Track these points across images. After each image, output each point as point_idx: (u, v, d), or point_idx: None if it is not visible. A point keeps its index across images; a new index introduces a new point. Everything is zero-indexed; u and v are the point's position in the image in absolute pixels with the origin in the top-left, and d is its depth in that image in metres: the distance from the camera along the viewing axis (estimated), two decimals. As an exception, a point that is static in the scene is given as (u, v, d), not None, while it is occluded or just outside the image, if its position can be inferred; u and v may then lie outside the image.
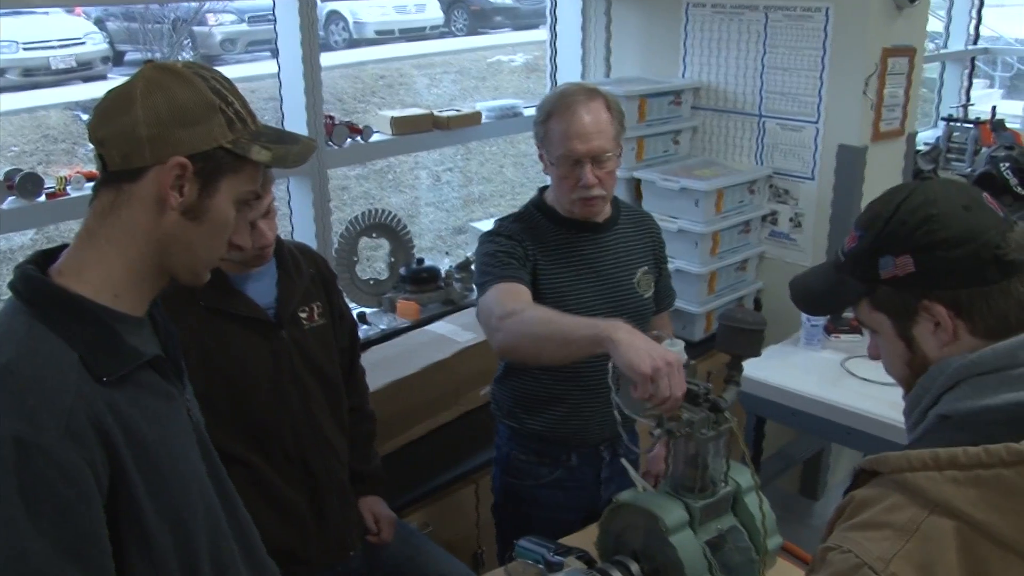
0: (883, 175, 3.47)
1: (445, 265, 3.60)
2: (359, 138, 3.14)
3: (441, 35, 11.43)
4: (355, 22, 10.87)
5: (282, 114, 3.02)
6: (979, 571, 1.03)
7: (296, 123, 2.93)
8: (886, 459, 1.11)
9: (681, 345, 1.84)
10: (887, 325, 1.26)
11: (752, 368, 3.00)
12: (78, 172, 2.52)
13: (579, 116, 2.17)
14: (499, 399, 2.44)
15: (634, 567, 1.73)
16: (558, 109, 2.20)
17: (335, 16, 10.80)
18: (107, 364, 1.22)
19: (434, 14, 11.45)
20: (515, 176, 8.02)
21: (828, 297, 1.35)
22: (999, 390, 1.11)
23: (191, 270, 1.34)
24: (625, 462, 1.90)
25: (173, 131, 1.25)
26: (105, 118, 1.26)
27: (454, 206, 7.87)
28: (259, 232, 1.94)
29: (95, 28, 9.24)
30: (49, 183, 2.48)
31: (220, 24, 9.80)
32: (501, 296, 2.10)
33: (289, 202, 3.10)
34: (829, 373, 3.00)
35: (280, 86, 3.01)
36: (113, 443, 1.20)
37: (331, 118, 3.05)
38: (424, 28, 11.28)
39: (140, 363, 1.26)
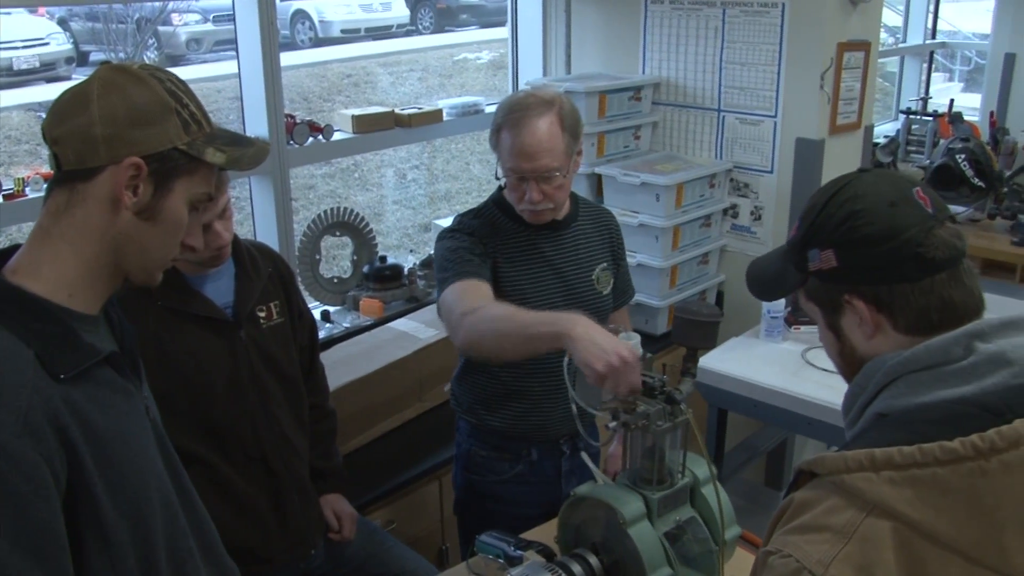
0: (841, 168, 3.47)
1: (409, 262, 3.60)
2: (320, 137, 3.14)
3: (407, 33, 11.39)
4: (321, 21, 10.80)
5: (243, 113, 3.02)
6: (917, 571, 1.03)
7: (257, 122, 2.93)
8: (823, 460, 1.11)
9: (637, 339, 1.86)
10: (819, 315, 1.28)
11: (714, 360, 3.03)
12: (36, 173, 2.51)
13: (527, 133, 2.15)
14: (459, 396, 2.45)
15: (593, 560, 1.74)
16: (508, 122, 2.18)
17: (301, 15, 10.73)
18: (63, 361, 1.22)
19: (400, 12, 11.40)
20: (482, 173, 8.01)
21: (772, 283, 1.36)
22: (933, 387, 1.11)
23: (144, 270, 1.35)
24: (584, 455, 1.91)
25: (128, 131, 1.26)
26: (60, 117, 1.27)
27: (421, 203, 7.86)
28: (215, 233, 1.94)
29: (59, 28, 9.14)
30: (8, 184, 2.46)
31: (185, 24, 9.73)
32: (462, 293, 2.11)
33: (251, 201, 3.09)
34: (790, 364, 3.03)
35: (240, 85, 3.00)
36: (70, 439, 1.20)
37: (292, 117, 3.05)
38: (390, 26, 11.23)
39: (97, 360, 1.27)
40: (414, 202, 7.86)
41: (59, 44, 9.00)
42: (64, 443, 1.19)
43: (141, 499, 1.31)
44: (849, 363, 1.26)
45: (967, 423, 1.05)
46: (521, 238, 2.29)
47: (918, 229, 1.15)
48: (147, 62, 1.47)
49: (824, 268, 1.21)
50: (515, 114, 2.17)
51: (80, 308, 1.28)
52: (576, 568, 1.73)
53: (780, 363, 3.05)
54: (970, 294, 1.17)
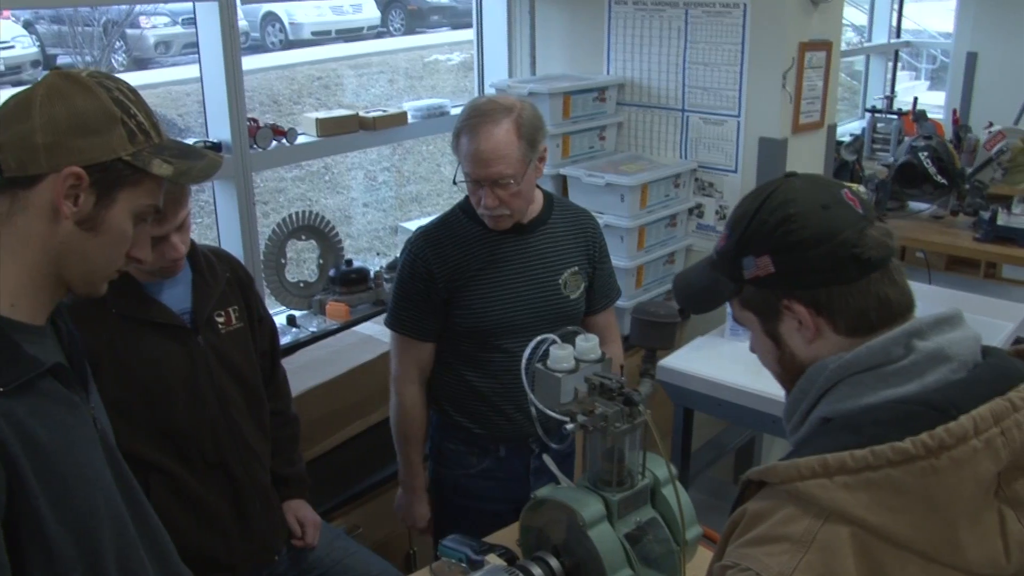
0: (805, 166, 3.53)
1: (376, 265, 3.59)
2: (284, 140, 3.12)
3: (378, 35, 11.35)
4: (291, 23, 10.74)
5: (205, 117, 3.00)
6: (877, 574, 1.03)
7: (219, 126, 2.91)
8: (775, 469, 1.10)
9: (595, 340, 1.86)
10: (755, 323, 1.27)
11: (679, 360, 3.04)
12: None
13: (482, 139, 2.16)
14: (429, 391, 2.45)
15: (553, 562, 1.74)
16: (466, 128, 2.20)
17: (271, 17, 10.66)
18: (2, 374, 1.21)
19: (371, 14, 11.36)
20: (452, 175, 8.01)
21: (704, 294, 1.34)
22: (877, 388, 1.12)
23: (86, 281, 1.33)
24: (546, 457, 1.90)
25: (70, 140, 1.25)
26: (3, 123, 1.26)
27: (391, 206, 7.84)
28: (171, 245, 1.91)
29: (24, 32, 9.05)
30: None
31: (153, 27, 9.65)
32: (398, 353, 2.42)
33: (215, 206, 3.07)
34: (754, 363, 2.97)
35: (203, 89, 2.98)
36: (10, 454, 1.19)
37: (255, 121, 3.03)
38: (361, 28, 11.18)
39: (39, 372, 1.25)
40: (384, 204, 7.84)
41: (24, 48, 8.91)
42: (3, 458, 1.18)
43: (87, 512, 1.30)
44: (788, 370, 1.26)
45: (914, 422, 1.06)
46: (486, 243, 2.30)
47: (852, 230, 1.16)
48: (112, 67, 1.45)
49: (761, 275, 1.21)
50: (473, 119, 2.19)
51: (23, 318, 1.26)
52: (536, 571, 1.73)
53: (745, 362, 3.02)
54: (903, 291, 1.18)
